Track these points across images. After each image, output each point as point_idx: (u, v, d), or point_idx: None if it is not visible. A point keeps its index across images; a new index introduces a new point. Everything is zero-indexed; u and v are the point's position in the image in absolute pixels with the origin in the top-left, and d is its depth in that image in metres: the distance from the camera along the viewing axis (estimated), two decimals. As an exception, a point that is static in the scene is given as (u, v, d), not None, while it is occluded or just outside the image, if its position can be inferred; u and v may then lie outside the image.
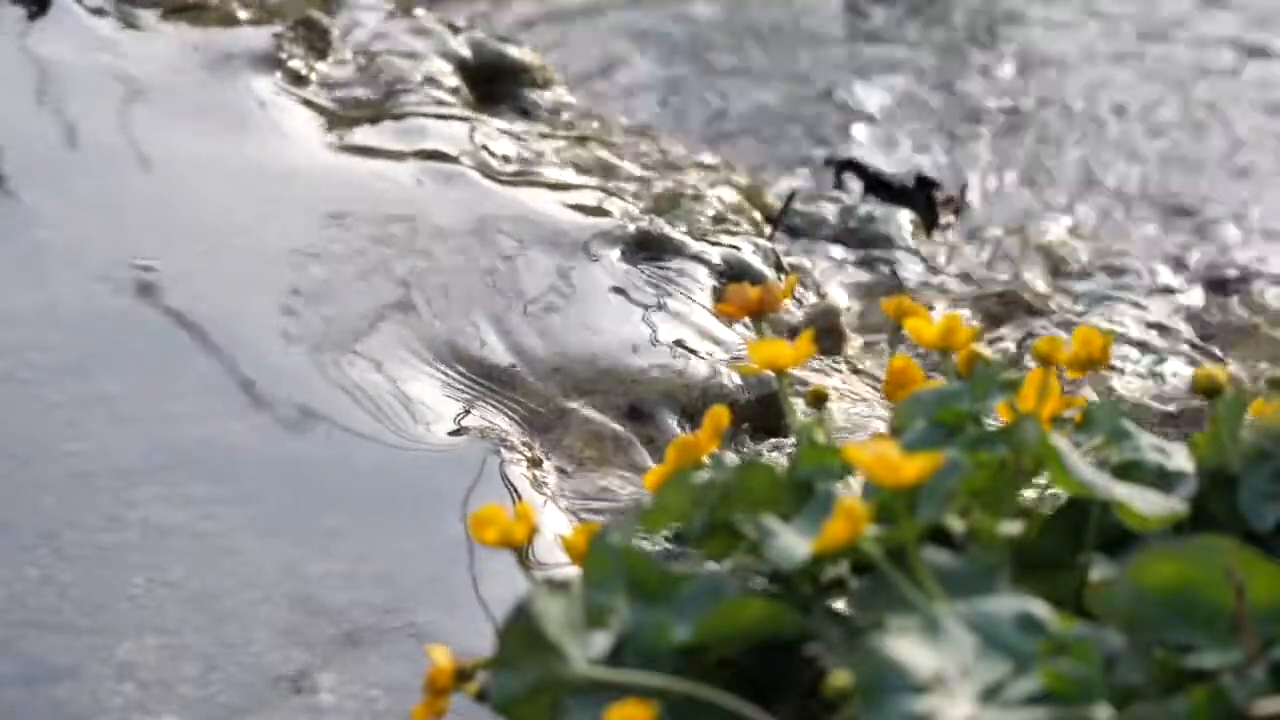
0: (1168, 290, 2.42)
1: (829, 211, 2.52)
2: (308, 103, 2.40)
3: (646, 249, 2.14)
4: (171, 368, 1.86)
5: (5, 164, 2.18)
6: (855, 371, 2.07)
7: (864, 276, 2.37)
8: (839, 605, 1.14)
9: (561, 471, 1.80)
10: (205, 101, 2.35)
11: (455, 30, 2.67)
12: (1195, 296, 2.42)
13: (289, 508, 1.69)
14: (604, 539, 1.15)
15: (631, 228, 2.15)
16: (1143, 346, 2.20)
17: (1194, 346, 2.23)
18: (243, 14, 2.60)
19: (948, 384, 1.27)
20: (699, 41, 3.43)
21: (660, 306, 2.04)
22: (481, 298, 2.01)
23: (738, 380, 1.91)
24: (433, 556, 1.64)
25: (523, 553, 1.20)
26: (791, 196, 2.51)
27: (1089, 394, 1.96)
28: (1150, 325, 2.28)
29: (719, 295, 2.08)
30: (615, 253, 2.12)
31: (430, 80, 2.51)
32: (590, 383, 1.90)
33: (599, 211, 2.21)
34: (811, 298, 2.25)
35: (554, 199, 2.23)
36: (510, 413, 1.86)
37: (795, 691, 1.11)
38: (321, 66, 2.49)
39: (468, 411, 1.84)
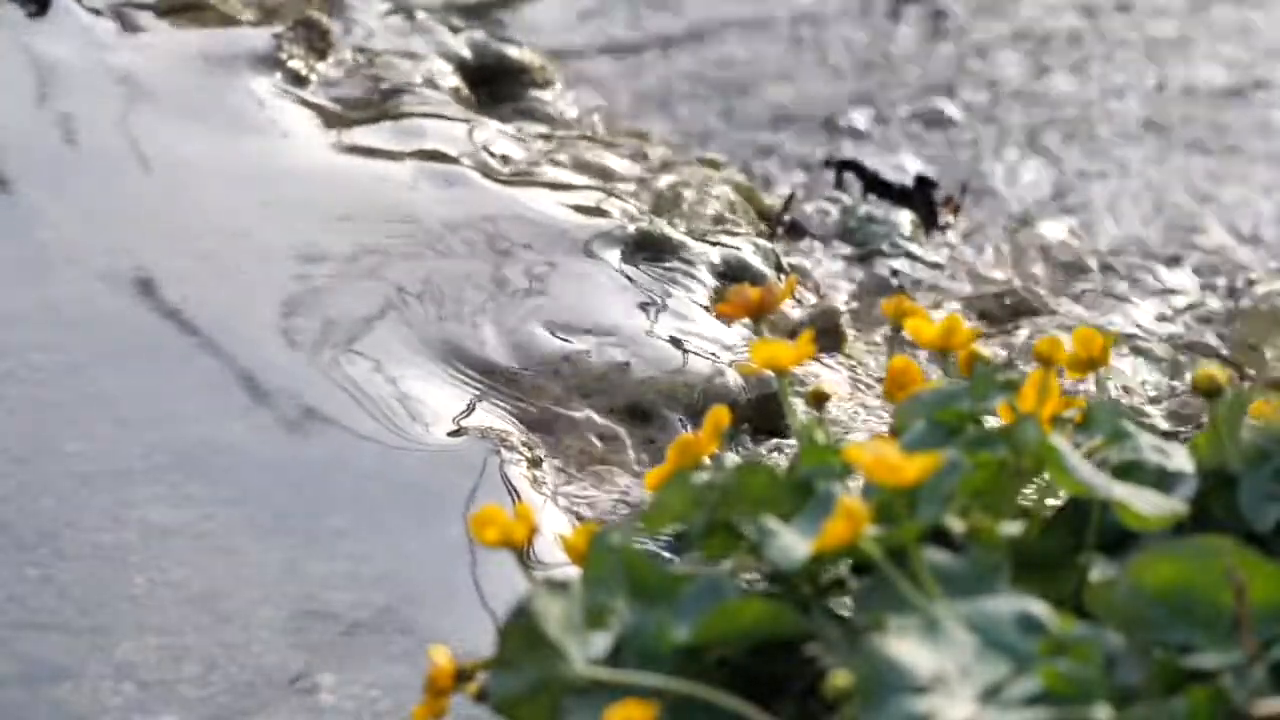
0: (1169, 290, 2.43)
1: (829, 211, 2.52)
2: (308, 103, 2.40)
3: (646, 249, 2.14)
4: (172, 368, 1.86)
5: (6, 164, 2.18)
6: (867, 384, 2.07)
7: (864, 276, 2.37)
8: (839, 605, 1.14)
9: (561, 472, 1.80)
10: (205, 102, 2.35)
11: (455, 30, 2.68)
12: (1196, 296, 2.42)
13: (289, 508, 1.69)
14: (604, 539, 1.15)
15: (631, 228, 2.15)
16: (1143, 345, 2.20)
17: (1195, 346, 2.23)
18: (243, 14, 2.60)
19: (947, 384, 1.28)
20: (699, 42, 3.43)
21: (660, 307, 2.04)
22: (481, 298, 2.01)
23: (738, 380, 1.91)
24: (433, 557, 1.64)
25: (523, 553, 1.20)
26: (791, 196, 2.51)
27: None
28: (1150, 325, 2.28)
29: (719, 295, 2.07)
30: (615, 253, 2.12)
31: (430, 81, 2.51)
32: (590, 383, 1.90)
33: (599, 211, 2.21)
34: (811, 298, 2.25)
35: (554, 199, 2.23)
36: (510, 413, 1.86)
37: (795, 691, 1.11)
38: (321, 66, 2.49)
39: (468, 411, 1.84)
